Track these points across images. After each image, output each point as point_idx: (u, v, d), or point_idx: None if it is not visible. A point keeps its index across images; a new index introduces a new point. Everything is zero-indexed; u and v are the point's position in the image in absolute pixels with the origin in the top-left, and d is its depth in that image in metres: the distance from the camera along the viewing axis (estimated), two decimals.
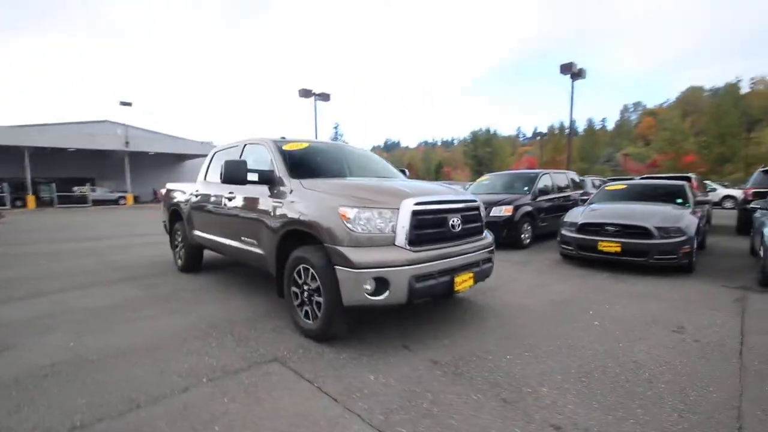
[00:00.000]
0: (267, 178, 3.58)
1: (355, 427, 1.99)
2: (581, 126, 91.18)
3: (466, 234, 3.31)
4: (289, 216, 3.19)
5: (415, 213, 2.89)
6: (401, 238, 2.82)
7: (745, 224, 8.29)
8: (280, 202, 3.34)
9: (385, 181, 3.63)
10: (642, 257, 5.16)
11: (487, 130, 63.35)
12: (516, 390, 2.34)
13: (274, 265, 3.45)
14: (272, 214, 3.42)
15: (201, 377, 2.50)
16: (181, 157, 34.31)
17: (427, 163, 73.31)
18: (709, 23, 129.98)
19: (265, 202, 3.54)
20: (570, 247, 5.85)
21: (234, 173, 3.55)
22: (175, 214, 5.85)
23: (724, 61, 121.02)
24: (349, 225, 2.76)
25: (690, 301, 4.12)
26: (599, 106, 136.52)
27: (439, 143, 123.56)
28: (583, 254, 5.65)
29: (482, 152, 59.19)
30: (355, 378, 2.49)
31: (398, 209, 2.82)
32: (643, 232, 5.20)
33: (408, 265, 2.74)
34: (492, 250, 3.59)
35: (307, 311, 3.10)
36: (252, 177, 3.58)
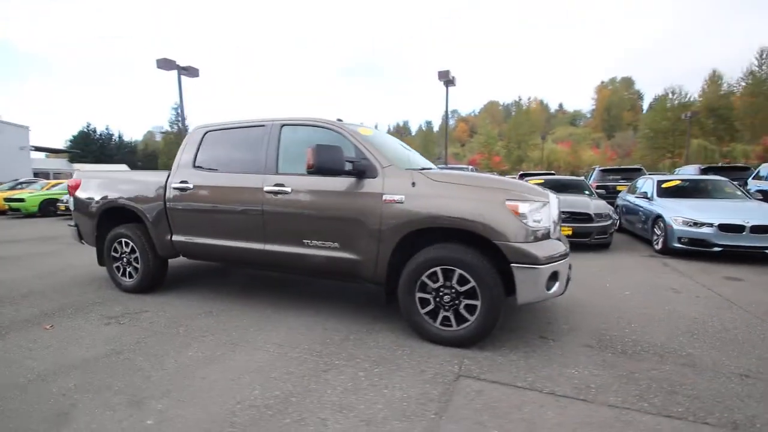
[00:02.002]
0: (362, 168, 3.01)
1: (644, 419, 2.00)
2: (414, 128, 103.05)
3: None
4: (425, 212, 2.78)
5: (557, 206, 2.96)
6: (554, 231, 2.85)
7: None
8: (399, 197, 2.87)
9: (496, 175, 3.54)
10: (586, 238, 6.43)
11: None
12: (683, 355, 2.71)
13: (384, 271, 2.96)
14: (382, 211, 2.90)
15: (421, 415, 2.02)
16: None
17: None
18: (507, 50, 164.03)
19: (367, 196, 2.97)
20: None
21: (331, 161, 2.87)
22: (114, 215, 4.20)
23: (520, 80, 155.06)
24: (523, 220, 2.63)
25: (640, 268, 5.39)
26: (427, 111, 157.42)
27: None
28: None
29: None
30: (560, 375, 2.43)
31: (549, 203, 2.83)
32: (586, 217, 6.47)
33: (566, 256, 2.81)
34: None
35: (446, 317, 2.80)
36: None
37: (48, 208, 13.37)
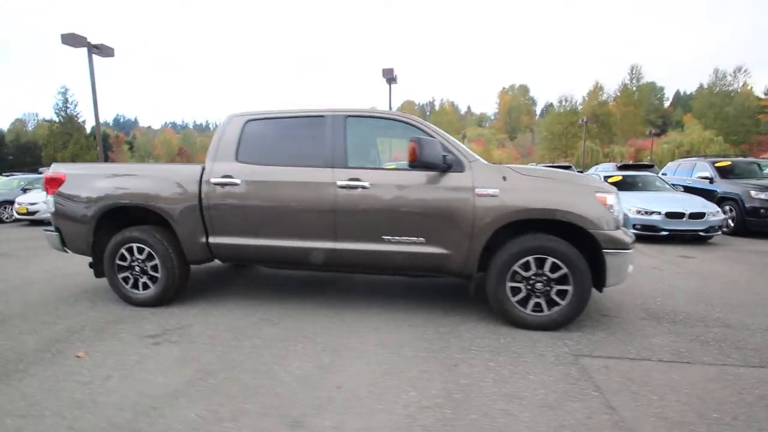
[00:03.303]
0: (450, 163, 3.01)
1: (740, 371, 2.39)
2: None
3: None
4: (521, 205, 2.90)
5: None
6: (621, 219, 3.20)
7: None
8: (492, 191, 2.94)
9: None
10: None
11: None
12: (715, 319, 3.26)
13: (475, 264, 3.03)
14: (476, 204, 2.95)
15: (585, 393, 2.15)
16: None
17: (191, 147, 63.86)
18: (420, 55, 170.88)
19: (458, 190, 2.98)
20: None
21: (433, 155, 2.87)
22: (117, 216, 3.56)
23: (432, 82, 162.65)
24: (611, 210, 2.91)
25: None
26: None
27: (191, 126, 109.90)
28: None
29: None
30: (651, 344, 2.75)
31: (617, 194, 3.16)
32: None
33: (634, 241, 3.17)
34: None
35: (538, 303, 2.98)
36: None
37: None
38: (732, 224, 7.50)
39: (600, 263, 2.90)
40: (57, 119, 40.48)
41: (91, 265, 3.76)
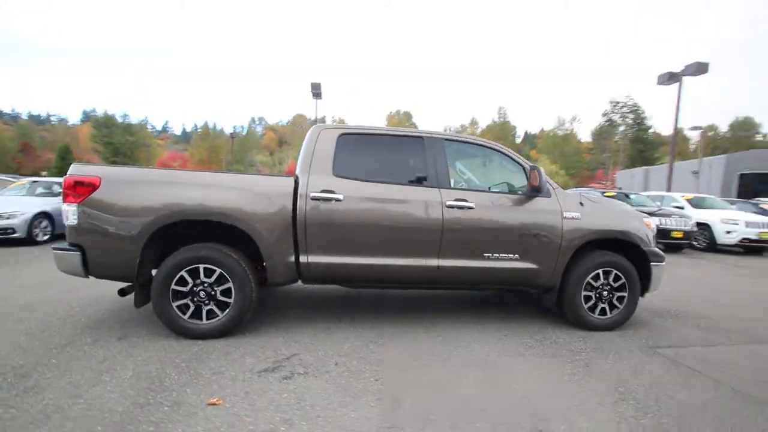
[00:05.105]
0: (538, 188, 3.42)
1: None
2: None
3: None
4: (597, 227, 3.46)
5: None
6: None
7: None
8: (576, 215, 3.45)
9: None
10: None
11: (106, 114, 49.50)
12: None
13: (559, 278, 3.48)
14: (563, 226, 3.41)
15: (700, 375, 2.74)
16: None
17: (28, 140, 50.77)
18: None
19: (549, 213, 3.41)
20: None
21: (544, 182, 3.26)
22: (166, 234, 2.99)
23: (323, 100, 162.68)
24: (653, 231, 3.69)
25: None
26: (230, 115, 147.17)
27: (25, 116, 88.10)
28: None
29: (122, 140, 48.99)
30: (689, 335, 3.58)
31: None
32: None
33: None
34: None
35: (603, 309, 3.57)
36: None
37: None
38: None
39: (646, 273, 3.65)
40: None
41: (122, 293, 3.04)
